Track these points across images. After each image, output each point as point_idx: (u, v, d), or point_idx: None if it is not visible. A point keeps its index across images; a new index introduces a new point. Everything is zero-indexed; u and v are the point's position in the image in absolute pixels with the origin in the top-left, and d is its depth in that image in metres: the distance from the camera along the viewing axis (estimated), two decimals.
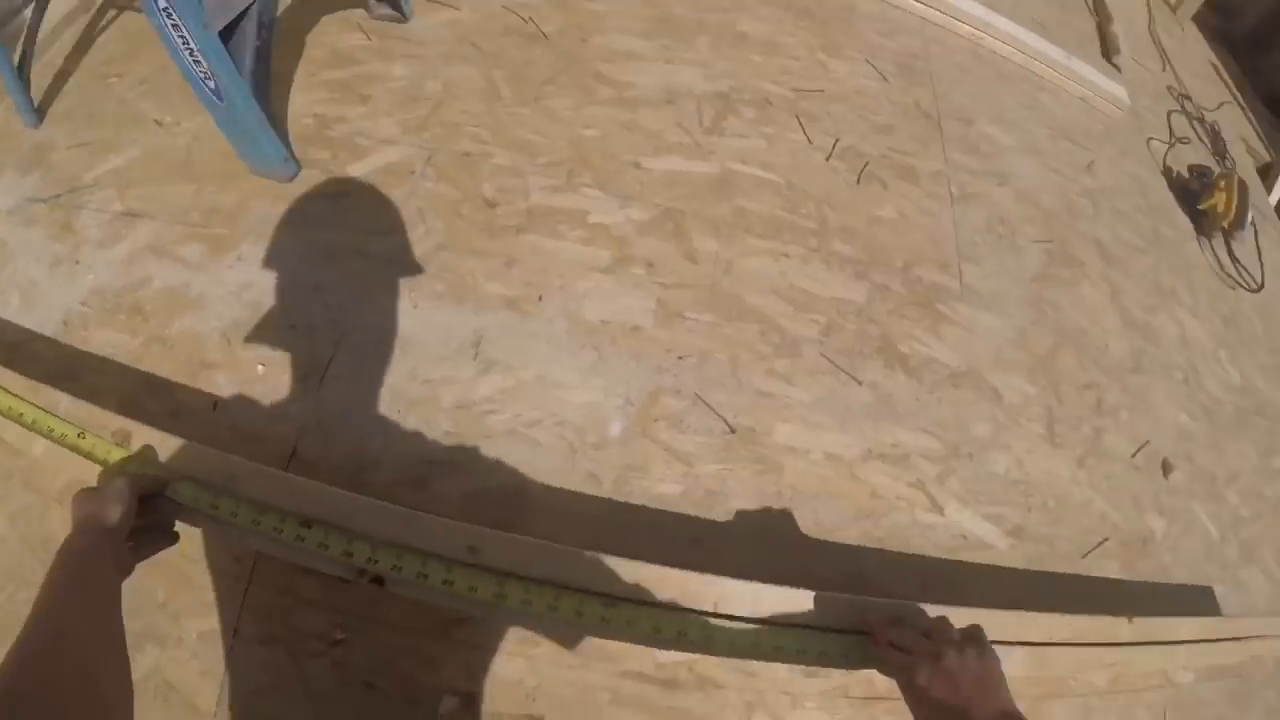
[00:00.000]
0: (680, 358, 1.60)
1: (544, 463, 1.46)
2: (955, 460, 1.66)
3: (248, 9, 1.48)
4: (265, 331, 1.50)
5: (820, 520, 1.52)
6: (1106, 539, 1.72)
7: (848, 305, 1.77)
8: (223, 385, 1.44)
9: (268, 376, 1.45)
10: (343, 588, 1.12)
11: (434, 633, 1.29)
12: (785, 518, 1.50)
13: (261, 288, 1.55)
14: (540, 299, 1.62)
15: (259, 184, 1.67)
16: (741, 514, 1.49)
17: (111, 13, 1.99)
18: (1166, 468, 1.90)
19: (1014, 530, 1.64)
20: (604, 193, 1.79)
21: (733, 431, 1.55)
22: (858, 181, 2.00)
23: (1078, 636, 1.31)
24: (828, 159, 2.01)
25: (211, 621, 1.27)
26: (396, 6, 1.98)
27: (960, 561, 1.57)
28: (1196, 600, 1.80)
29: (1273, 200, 3.14)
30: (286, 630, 1.27)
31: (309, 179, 1.69)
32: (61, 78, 1.86)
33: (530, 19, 2.11)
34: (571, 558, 1.15)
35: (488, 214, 1.70)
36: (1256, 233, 2.58)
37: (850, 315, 1.76)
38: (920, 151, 2.15)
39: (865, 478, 1.58)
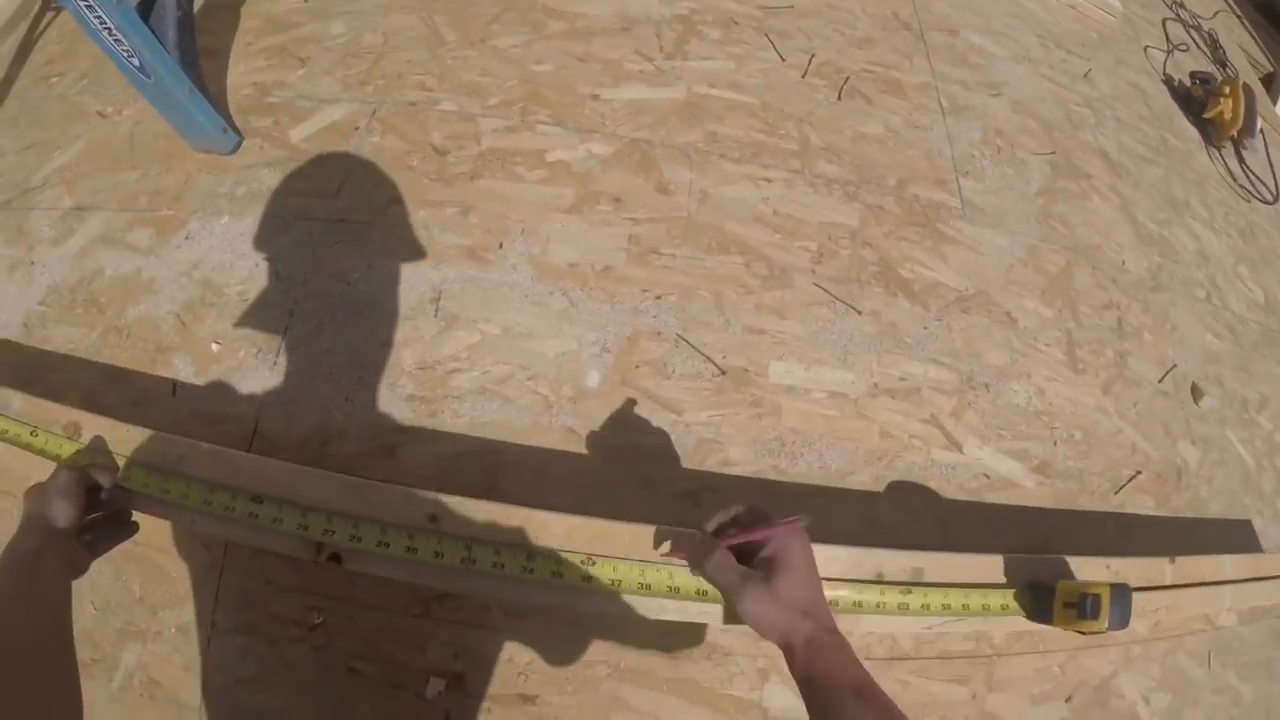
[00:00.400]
0: (659, 297, 1.53)
1: (518, 421, 1.39)
2: (971, 392, 1.60)
3: None
4: (218, 308, 1.47)
5: (827, 465, 1.45)
6: (1139, 472, 1.68)
7: (840, 229, 1.71)
8: (180, 368, 1.41)
9: (224, 354, 1.42)
10: (316, 569, 1.08)
11: (414, 610, 1.26)
12: (788, 465, 1.44)
13: (211, 264, 1.51)
14: (501, 246, 1.55)
15: (202, 160, 1.63)
16: (739, 463, 1.42)
17: (50, 14, 1.94)
18: (1196, 393, 1.86)
19: (1040, 466, 1.59)
20: (562, 128, 1.71)
21: (723, 373, 1.48)
22: (839, 98, 1.93)
23: (1117, 581, 1.25)
24: (804, 76, 1.94)
25: (189, 613, 1.27)
26: None
27: (984, 503, 1.51)
28: (1235, 535, 1.76)
29: (1279, 110, 3.12)
30: (263, 617, 1.27)
31: (252, 149, 1.65)
32: (5, 84, 1.84)
33: None
34: (542, 521, 1.07)
35: (439, 162, 1.64)
36: (1266, 142, 2.54)
37: (843, 240, 1.69)
38: (904, 64, 2.08)
39: (873, 416, 1.52)
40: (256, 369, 1.41)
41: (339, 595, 1.26)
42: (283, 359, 1.41)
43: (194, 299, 1.47)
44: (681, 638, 1.28)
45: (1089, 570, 1.22)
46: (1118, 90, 2.45)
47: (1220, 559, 1.42)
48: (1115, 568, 1.25)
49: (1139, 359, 1.82)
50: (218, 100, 1.65)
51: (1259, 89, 3.02)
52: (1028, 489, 1.56)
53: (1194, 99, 2.59)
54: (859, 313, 1.60)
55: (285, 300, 1.46)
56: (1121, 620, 1.10)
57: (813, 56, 1.98)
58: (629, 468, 1.39)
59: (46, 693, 0.69)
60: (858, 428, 1.50)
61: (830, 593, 1.07)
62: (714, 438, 1.43)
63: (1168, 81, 2.66)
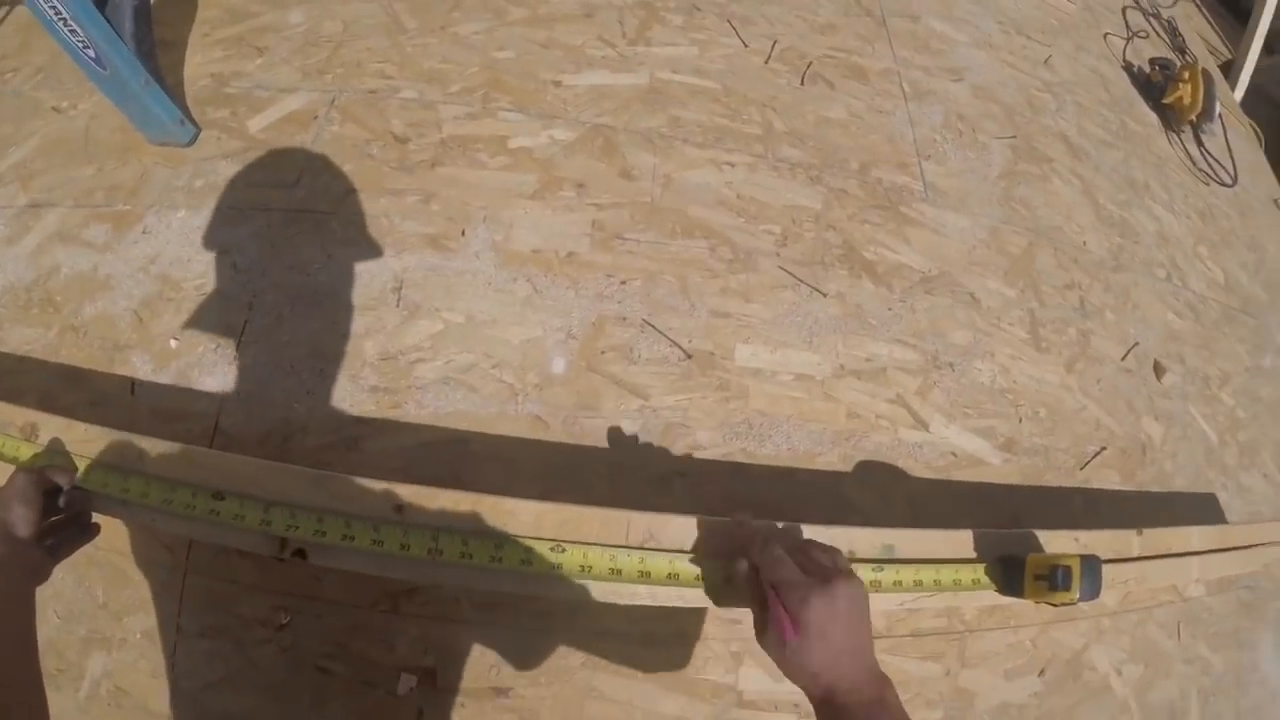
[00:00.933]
0: (623, 282, 1.52)
1: (484, 409, 1.38)
2: (936, 371, 1.61)
3: None
4: (176, 304, 1.44)
5: (795, 447, 1.46)
6: (1104, 448, 1.70)
7: (803, 212, 1.71)
8: (139, 366, 1.39)
9: (183, 350, 1.40)
10: (281, 567, 1.08)
11: (382, 606, 1.24)
12: (756, 447, 1.44)
13: (168, 259, 1.49)
14: (463, 233, 1.53)
15: (159, 153, 1.61)
16: (708, 447, 1.42)
17: (2, 10, 1.91)
18: (1159, 370, 1.88)
19: (1006, 443, 1.60)
20: (524, 115, 1.70)
21: (689, 357, 1.48)
22: (801, 83, 1.93)
23: (1086, 553, 1.26)
24: (766, 62, 1.94)
25: (154, 618, 1.27)
26: None
27: (952, 481, 1.52)
28: (1200, 509, 1.79)
29: (1237, 96, 3.18)
30: (229, 619, 1.26)
31: (209, 140, 1.63)
32: None
33: None
34: (509, 509, 1.05)
35: (399, 150, 1.62)
36: (1225, 127, 2.58)
37: (807, 223, 1.69)
38: (866, 50, 2.09)
39: (840, 397, 1.52)
40: (216, 364, 1.39)
41: (305, 594, 1.24)
42: (242, 353, 1.39)
43: (152, 295, 1.45)
44: (655, 625, 1.27)
45: (1058, 543, 1.22)
46: (1078, 76, 2.47)
47: (1188, 530, 1.43)
48: (1084, 540, 1.26)
49: (1101, 337, 1.84)
50: (174, 91, 1.63)
51: (1217, 75, 3.07)
52: (995, 466, 1.57)
53: (1153, 84, 2.63)
54: (824, 295, 1.61)
55: (244, 293, 1.44)
56: (1092, 591, 1.10)
57: (775, 42, 1.99)
58: (597, 454, 1.38)
59: (12, 707, 0.67)
60: (824, 409, 1.50)
61: None
62: (682, 422, 1.42)
63: (1127, 68, 2.69)
